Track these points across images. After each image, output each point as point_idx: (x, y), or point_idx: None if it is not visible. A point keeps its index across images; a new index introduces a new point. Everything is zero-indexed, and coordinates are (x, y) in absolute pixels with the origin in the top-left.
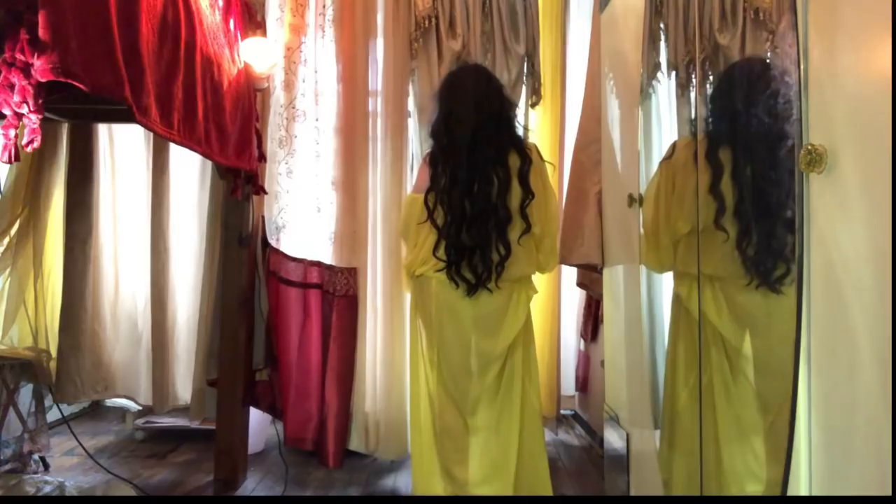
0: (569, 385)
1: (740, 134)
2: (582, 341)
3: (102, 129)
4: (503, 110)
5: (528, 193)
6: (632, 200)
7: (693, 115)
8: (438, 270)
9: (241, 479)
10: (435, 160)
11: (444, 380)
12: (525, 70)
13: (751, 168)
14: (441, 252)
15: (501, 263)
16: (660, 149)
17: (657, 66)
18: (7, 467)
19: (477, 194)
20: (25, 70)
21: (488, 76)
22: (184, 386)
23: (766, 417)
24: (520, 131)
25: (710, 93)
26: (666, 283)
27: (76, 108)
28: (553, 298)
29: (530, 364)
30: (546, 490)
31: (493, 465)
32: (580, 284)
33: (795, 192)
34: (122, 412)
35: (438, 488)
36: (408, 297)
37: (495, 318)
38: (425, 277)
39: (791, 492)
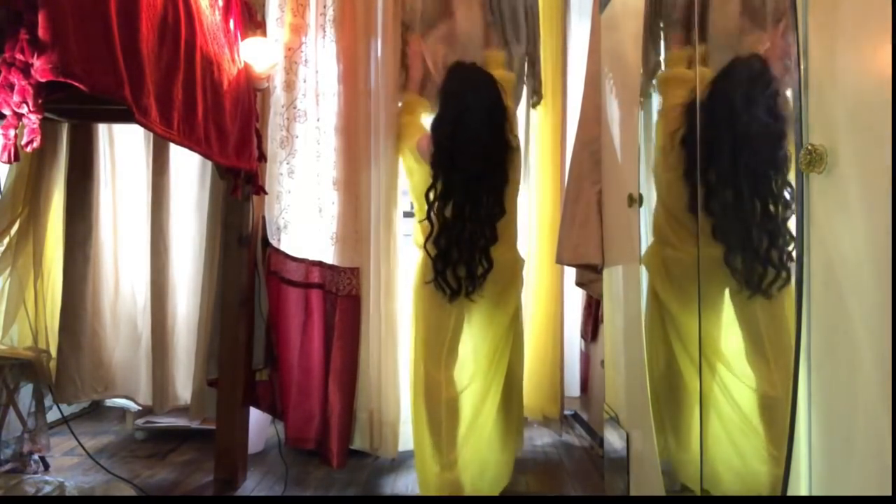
0: (573, 387)
1: (738, 139)
2: (582, 341)
3: (102, 129)
4: (506, 134)
5: (502, 211)
6: (632, 200)
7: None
8: (428, 282)
9: (241, 479)
10: (435, 167)
11: (450, 357)
12: (526, 70)
13: (746, 177)
14: (430, 246)
15: (484, 276)
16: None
17: (657, 66)
18: (7, 467)
19: (469, 217)
20: (25, 70)
21: (494, 90)
22: (184, 386)
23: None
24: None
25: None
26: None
27: (76, 108)
28: (556, 300)
29: (518, 338)
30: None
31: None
32: (580, 284)
33: (795, 194)
34: (122, 412)
35: (435, 471)
36: (408, 297)
37: (486, 311)
38: None
39: (791, 492)
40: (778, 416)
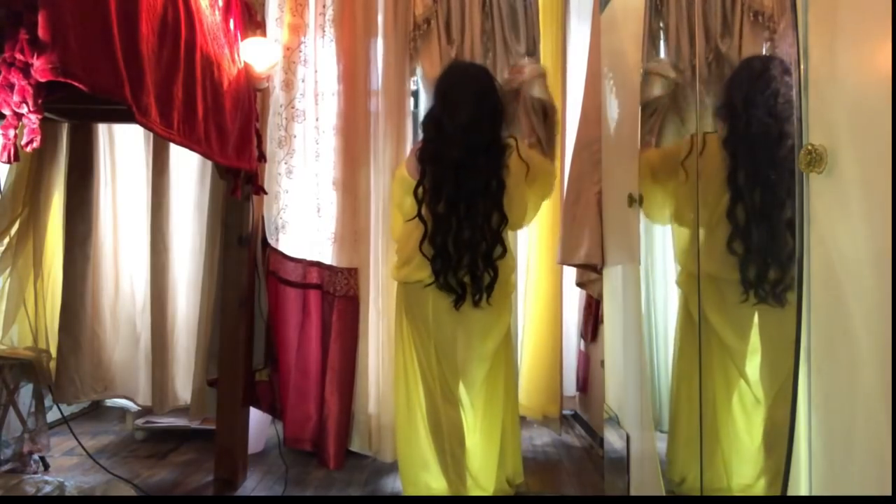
0: (573, 387)
1: (756, 150)
2: (582, 341)
3: (102, 129)
4: (496, 126)
5: (503, 218)
6: (632, 200)
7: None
8: (428, 285)
9: (241, 479)
10: (423, 161)
11: (441, 382)
12: None
13: (761, 186)
14: (427, 248)
15: (491, 285)
16: None
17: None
18: (7, 467)
19: (465, 216)
20: (25, 70)
21: (486, 81)
22: (184, 386)
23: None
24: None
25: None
26: (666, 282)
27: (76, 108)
28: (555, 300)
29: (510, 360)
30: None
31: (478, 468)
32: (580, 284)
33: (795, 192)
34: (122, 412)
35: (434, 484)
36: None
37: (486, 323)
38: (419, 285)
39: (791, 492)
40: (778, 444)
